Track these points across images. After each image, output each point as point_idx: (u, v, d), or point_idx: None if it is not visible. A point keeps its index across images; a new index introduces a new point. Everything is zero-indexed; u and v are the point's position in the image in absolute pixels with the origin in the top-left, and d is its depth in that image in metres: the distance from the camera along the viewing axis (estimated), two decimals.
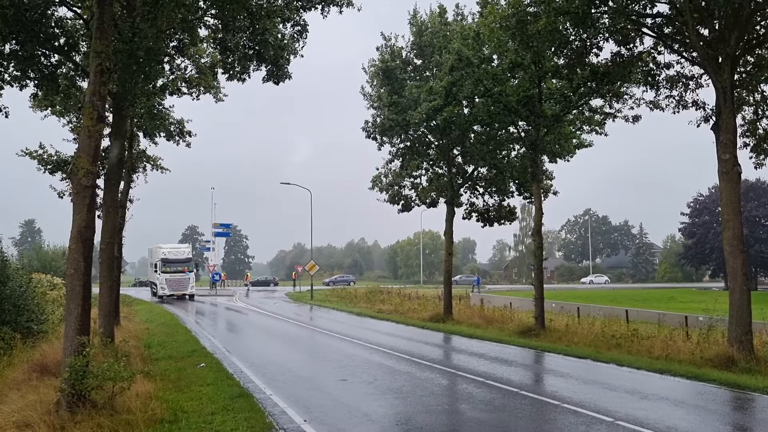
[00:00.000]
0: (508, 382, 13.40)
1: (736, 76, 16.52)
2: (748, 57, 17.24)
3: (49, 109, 20.39)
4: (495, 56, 22.61)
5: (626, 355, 16.78)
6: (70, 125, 22.21)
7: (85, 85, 16.34)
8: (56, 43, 15.31)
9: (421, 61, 28.79)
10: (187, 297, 48.23)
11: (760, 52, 17.18)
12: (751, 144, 18.45)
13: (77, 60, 16.43)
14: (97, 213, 17.13)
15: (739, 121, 17.52)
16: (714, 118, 16.44)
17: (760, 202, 66.24)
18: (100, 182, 18.66)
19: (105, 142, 16.98)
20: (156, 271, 48.61)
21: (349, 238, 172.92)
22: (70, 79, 17.61)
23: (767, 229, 65.31)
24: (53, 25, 15.02)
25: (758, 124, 18.29)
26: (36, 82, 16.21)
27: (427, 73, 28.40)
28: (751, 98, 18.20)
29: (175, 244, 59.43)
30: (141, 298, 46.49)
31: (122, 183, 21.28)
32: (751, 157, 18.60)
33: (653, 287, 75.65)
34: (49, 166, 20.64)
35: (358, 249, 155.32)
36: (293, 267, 71.38)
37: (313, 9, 16.13)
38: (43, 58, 15.65)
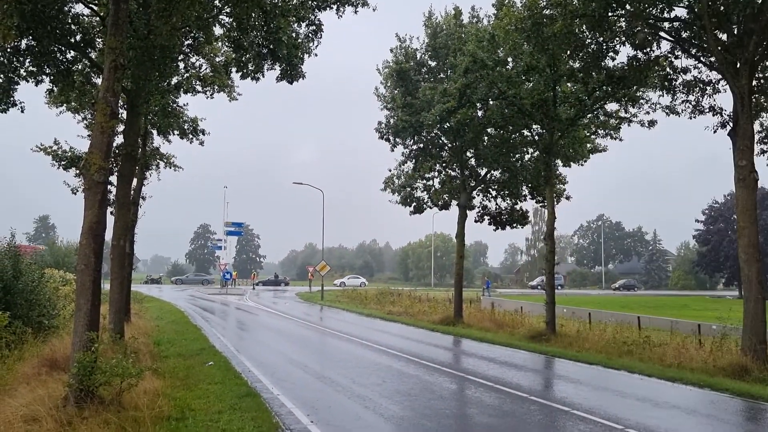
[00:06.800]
0: (517, 387, 13.28)
1: (754, 82, 16.29)
2: (767, 63, 17.02)
3: (65, 105, 20.48)
4: (510, 59, 22.49)
5: (638, 362, 16.59)
6: (85, 122, 22.29)
7: (99, 81, 16.40)
8: (72, 40, 15.37)
9: (435, 62, 28.71)
10: None
11: None
12: None
13: (93, 57, 16.51)
14: (110, 210, 17.18)
15: (756, 127, 17.30)
16: (731, 124, 16.24)
17: None
18: (113, 179, 18.72)
19: (119, 139, 17.05)
20: None
21: (361, 239, 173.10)
22: (86, 76, 17.72)
23: None
24: (70, 21, 15.09)
25: None
26: (52, 77, 16.31)
27: (441, 75, 28.31)
28: None
29: None
30: (152, 296, 46.49)
31: (135, 180, 21.29)
32: None
33: (666, 294, 75.05)
34: (63, 162, 20.67)
35: (370, 250, 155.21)
36: (304, 267, 71.23)
37: (328, 8, 16.12)
38: (59, 54, 15.73)
